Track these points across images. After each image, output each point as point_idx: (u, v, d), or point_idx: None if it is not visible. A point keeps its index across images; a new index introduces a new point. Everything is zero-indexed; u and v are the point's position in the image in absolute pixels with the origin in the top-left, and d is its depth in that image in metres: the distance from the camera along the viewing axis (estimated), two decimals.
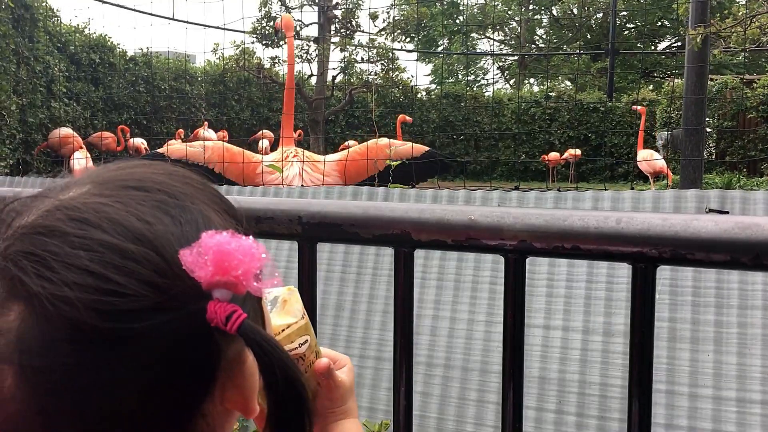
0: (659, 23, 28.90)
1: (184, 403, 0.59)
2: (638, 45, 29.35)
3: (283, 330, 0.88)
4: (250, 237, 0.59)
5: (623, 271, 2.44)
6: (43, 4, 16.04)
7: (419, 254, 1.32)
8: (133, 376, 0.55)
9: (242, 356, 0.61)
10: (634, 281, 1.20)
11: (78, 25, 18.22)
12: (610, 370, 2.38)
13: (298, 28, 17.48)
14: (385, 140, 8.13)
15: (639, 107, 13.12)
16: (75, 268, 0.54)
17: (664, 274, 2.36)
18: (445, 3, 30.55)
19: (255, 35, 17.28)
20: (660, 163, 12.05)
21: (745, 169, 14.41)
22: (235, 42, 16.57)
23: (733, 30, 10.38)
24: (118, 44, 19.16)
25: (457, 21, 30.51)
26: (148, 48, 19.46)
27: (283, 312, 0.90)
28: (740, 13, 11.57)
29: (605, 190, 2.70)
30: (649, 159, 11.70)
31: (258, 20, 17.57)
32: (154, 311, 0.55)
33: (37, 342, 0.54)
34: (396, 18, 19.88)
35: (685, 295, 2.34)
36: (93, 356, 0.54)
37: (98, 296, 0.54)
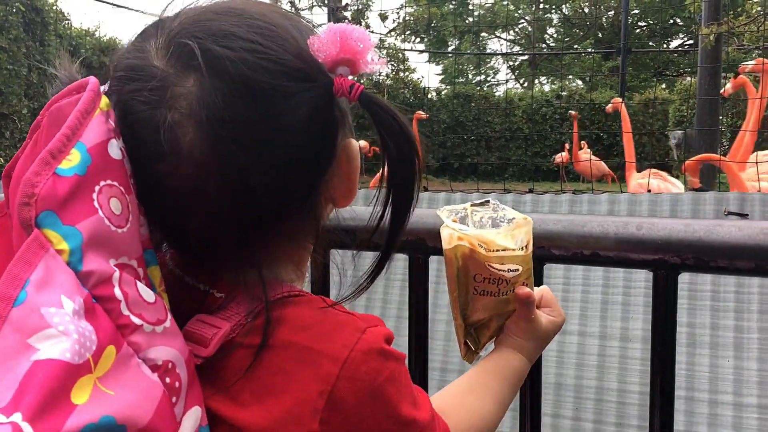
0: (671, 21, 28.73)
1: (319, 164, 0.72)
2: (650, 43, 29.19)
3: (497, 250, 0.93)
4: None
5: (641, 275, 2.41)
6: (54, 7, 16.13)
7: (433, 258, 1.31)
8: (291, 131, 0.67)
9: (347, 146, 0.76)
10: (656, 289, 1.17)
11: (88, 28, 18.34)
12: (628, 376, 2.35)
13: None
14: None
15: (573, 112, 12.95)
16: (246, 40, 0.67)
17: (682, 277, 2.33)
18: (454, 2, 30.51)
19: None
20: (606, 167, 12.06)
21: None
22: None
23: (746, 27, 10.30)
24: None
25: (468, 21, 30.46)
26: None
27: (508, 234, 0.94)
28: (754, 11, 11.47)
29: (621, 192, 2.67)
30: (596, 161, 11.59)
31: None
32: (301, 79, 0.68)
33: (218, 99, 0.65)
34: (406, 18, 19.87)
35: (704, 299, 2.30)
36: (265, 109, 0.66)
37: (266, 60, 0.66)
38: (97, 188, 0.62)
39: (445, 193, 2.84)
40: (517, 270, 0.95)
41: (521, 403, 1.24)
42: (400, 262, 2.93)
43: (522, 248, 0.95)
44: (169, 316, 0.66)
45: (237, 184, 0.68)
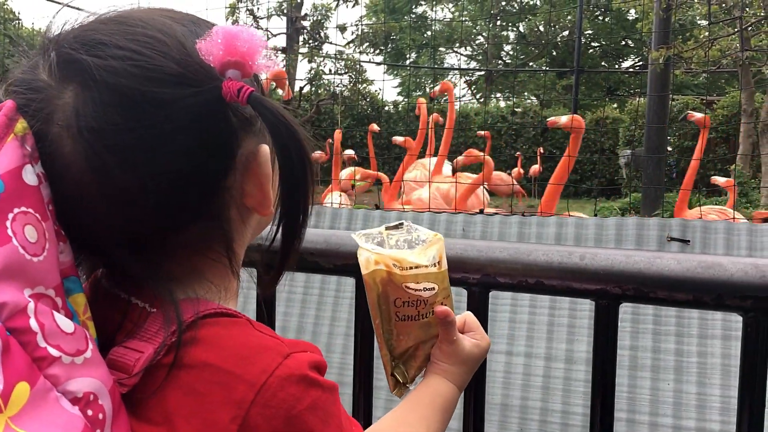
0: (623, 43, 29.44)
1: (210, 170, 0.70)
2: (603, 63, 29.85)
3: (411, 268, 0.93)
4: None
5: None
6: (4, 6, 15.74)
7: None
8: (170, 139, 0.66)
9: (256, 153, 0.74)
10: (597, 318, 1.19)
11: (39, 28, 17.93)
12: (571, 397, 2.38)
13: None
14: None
15: (486, 132, 12.89)
16: (118, 48, 0.66)
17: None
18: (413, 16, 30.74)
19: None
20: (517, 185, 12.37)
21: (704, 189, 14.68)
22: None
23: (694, 52, 10.61)
24: None
25: (426, 35, 30.71)
26: None
27: (421, 253, 0.95)
28: (702, 36, 11.84)
29: (569, 215, 2.72)
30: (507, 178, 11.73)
31: None
32: (181, 85, 0.66)
33: (90, 109, 0.64)
34: (364, 30, 19.93)
35: (647, 323, 2.35)
36: (137, 117, 0.65)
37: (138, 67, 0.65)
38: (10, 216, 0.60)
39: (397, 213, 2.85)
40: (434, 289, 0.95)
41: (464, 423, 1.25)
42: (349, 279, 2.91)
43: (434, 265, 0.95)
44: (91, 346, 0.64)
45: (117, 195, 0.67)
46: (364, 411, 1.35)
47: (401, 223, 1.00)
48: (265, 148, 0.75)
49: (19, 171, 0.62)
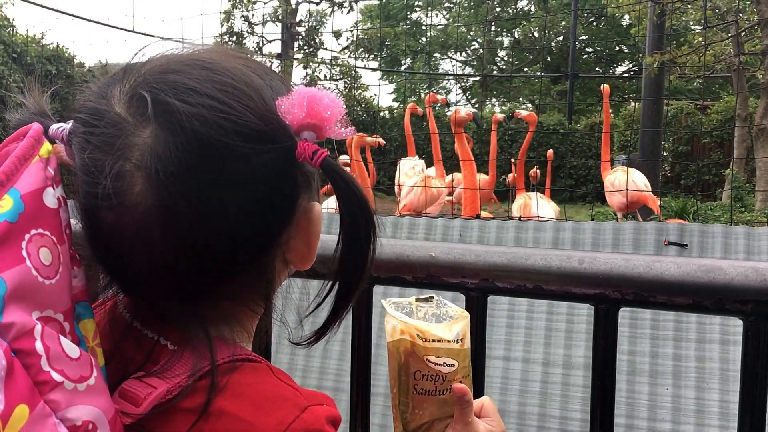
0: (617, 48, 29.53)
1: (272, 224, 0.71)
2: (597, 69, 29.92)
3: (433, 341, 0.93)
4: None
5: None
6: None
7: (378, 287, 1.31)
8: (243, 190, 0.67)
9: (308, 210, 0.75)
10: (596, 323, 1.19)
11: (34, 35, 17.90)
12: (569, 403, 2.37)
13: (261, 44, 17.43)
14: None
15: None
16: (206, 96, 0.66)
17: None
18: (408, 22, 30.80)
19: None
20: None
21: (699, 193, 14.72)
22: None
23: (688, 57, 10.65)
24: (75, 56, 18.84)
25: (421, 41, 30.77)
26: (106, 60, 19.18)
27: (446, 327, 0.94)
28: (696, 41, 11.89)
29: (566, 219, 2.71)
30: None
31: (220, 35, 17.47)
32: (261, 140, 0.67)
33: (172, 153, 0.64)
34: (360, 36, 19.96)
35: (645, 327, 2.34)
36: (217, 167, 0.65)
37: (226, 120, 0.65)
38: (27, 236, 0.60)
39: (393, 217, 2.84)
40: (453, 366, 0.94)
41: None
42: None
43: (457, 341, 0.94)
44: (95, 373, 0.63)
45: (182, 240, 0.66)
46: (361, 417, 1.34)
47: (431, 297, 1.00)
48: (318, 207, 0.77)
49: (40, 193, 0.63)
